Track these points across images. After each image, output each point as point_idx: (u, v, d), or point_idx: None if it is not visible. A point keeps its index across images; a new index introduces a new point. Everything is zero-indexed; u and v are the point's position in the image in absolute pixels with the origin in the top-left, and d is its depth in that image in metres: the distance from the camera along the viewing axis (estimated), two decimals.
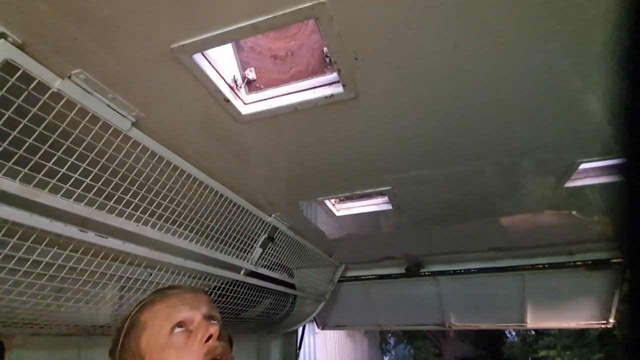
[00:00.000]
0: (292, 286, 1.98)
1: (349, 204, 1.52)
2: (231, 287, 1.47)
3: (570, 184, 1.24)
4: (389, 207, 1.44)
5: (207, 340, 0.62)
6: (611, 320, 2.64)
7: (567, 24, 0.65)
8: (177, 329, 0.63)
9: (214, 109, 0.80)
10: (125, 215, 0.85)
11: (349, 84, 0.75)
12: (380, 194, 1.39)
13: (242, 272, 1.48)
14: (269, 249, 1.58)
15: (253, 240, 1.47)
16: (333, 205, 1.49)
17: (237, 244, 1.34)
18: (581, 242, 2.21)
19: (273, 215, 1.50)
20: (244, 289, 1.54)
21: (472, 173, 1.26)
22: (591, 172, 1.23)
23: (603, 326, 2.70)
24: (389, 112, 0.88)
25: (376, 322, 3.08)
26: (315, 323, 3.14)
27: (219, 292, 1.42)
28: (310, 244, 1.90)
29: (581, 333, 5.23)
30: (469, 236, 2.10)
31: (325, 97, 0.79)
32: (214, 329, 0.63)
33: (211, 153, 1.00)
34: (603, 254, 2.32)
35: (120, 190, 0.81)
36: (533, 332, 6.93)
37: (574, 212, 1.76)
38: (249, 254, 1.47)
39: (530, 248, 2.26)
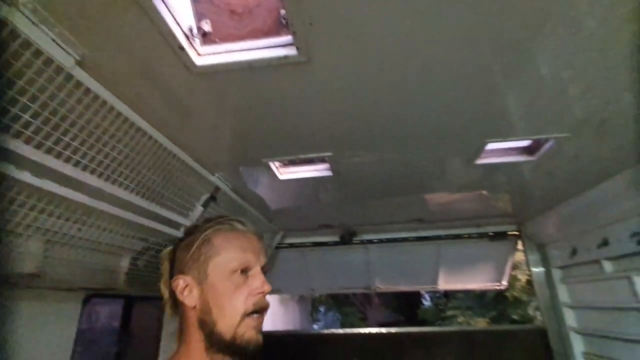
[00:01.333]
0: None
1: (293, 168, 1.60)
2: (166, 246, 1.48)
3: (479, 161, 1.47)
4: (329, 173, 1.55)
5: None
6: (504, 282, 3.18)
7: (482, 18, 0.78)
8: (240, 271, 0.72)
9: (167, 56, 0.80)
10: (63, 157, 0.82)
11: (302, 47, 0.81)
12: (322, 160, 1.48)
13: (182, 229, 1.49)
14: (210, 209, 1.61)
15: (195, 199, 1.48)
16: (277, 168, 1.56)
17: (179, 200, 1.35)
18: (487, 216, 2.60)
19: (216, 174, 1.52)
20: None
21: (404, 150, 1.41)
22: (496, 152, 1.47)
23: (497, 288, 3.24)
24: (337, 80, 0.96)
25: (310, 287, 3.29)
26: None
27: (157, 250, 1.42)
28: (251, 207, 1.96)
29: (481, 296, 6.25)
30: (397, 208, 2.34)
31: (279, 57, 0.84)
32: (268, 288, 0.73)
33: (158, 103, 0.99)
34: (502, 227, 2.76)
35: (60, 131, 0.79)
36: (444, 297, 7.98)
37: (484, 192, 2.06)
38: (190, 212, 1.48)
39: (446, 221, 2.59)
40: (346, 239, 2.79)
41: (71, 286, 1.23)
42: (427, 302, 8.91)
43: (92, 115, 0.83)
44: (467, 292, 6.24)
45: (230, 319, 0.69)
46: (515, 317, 5.08)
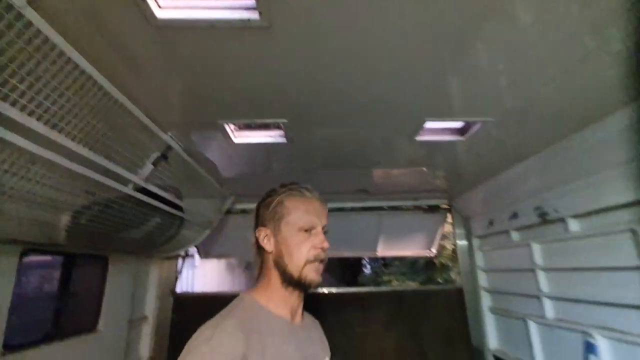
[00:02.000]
0: (180, 209, 2.04)
1: (248, 133, 1.63)
2: (119, 202, 1.47)
3: (419, 138, 1.64)
4: (283, 140, 1.62)
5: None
6: (433, 250, 3.56)
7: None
8: (306, 229, 0.89)
9: (126, 5, 0.79)
10: (9, 100, 0.79)
11: (264, 12, 0.85)
12: (278, 126, 1.54)
13: (131, 186, 1.47)
14: (160, 167, 1.60)
15: (145, 156, 1.46)
16: (232, 132, 1.58)
17: (128, 155, 1.33)
18: (423, 191, 2.87)
19: (169, 133, 1.51)
20: (132, 204, 1.54)
21: (354, 123, 1.52)
22: (434, 131, 1.64)
23: (428, 255, 3.62)
24: (296, 49, 1.01)
25: None
26: (197, 251, 3.25)
27: (105, 205, 1.40)
28: (203, 170, 1.96)
29: (413, 263, 6.99)
30: (346, 179, 2.49)
31: (242, 20, 0.87)
32: (326, 245, 0.90)
33: (112, 53, 0.96)
34: (436, 201, 3.08)
35: (6, 73, 0.75)
36: (382, 266, 8.71)
37: (423, 168, 2.28)
38: (140, 169, 1.47)
39: (389, 193, 2.82)
40: None
41: (5, 236, 1.19)
42: (367, 270, 9.68)
43: (41, 58, 0.80)
44: (401, 260, 6.90)
45: (297, 264, 0.88)
46: (440, 280, 5.84)
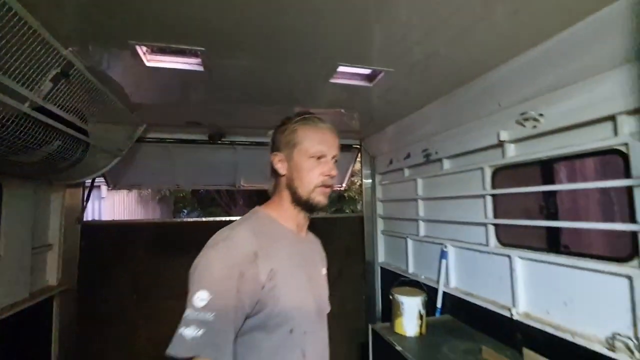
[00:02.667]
0: (85, 133, 1.91)
1: (162, 57, 1.56)
2: (15, 121, 1.34)
3: (333, 80, 1.79)
4: (200, 68, 1.61)
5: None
6: (344, 185, 3.97)
7: None
8: (317, 157, 0.95)
9: None
10: None
11: None
12: (195, 54, 1.52)
13: (27, 104, 1.35)
14: (61, 86, 1.47)
15: (43, 72, 1.33)
16: (144, 54, 1.50)
17: (25, 69, 1.21)
18: (339, 131, 3.11)
19: (70, 48, 1.37)
20: (30, 124, 1.42)
21: (273, 58, 1.57)
22: (346, 75, 1.80)
23: (339, 189, 4.03)
24: None
25: (175, 182, 3.37)
26: (105, 181, 3.09)
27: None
28: (111, 92, 1.83)
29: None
30: (266, 115, 2.54)
31: None
32: (334, 173, 0.97)
33: None
34: (349, 141, 3.38)
35: None
36: None
37: (342, 110, 2.46)
38: (38, 86, 1.34)
39: None
40: (215, 139, 2.91)
41: None
42: None
43: None
44: None
45: (307, 188, 0.96)
46: (347, 211, 6.67)
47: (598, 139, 1.30)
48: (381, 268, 3.16)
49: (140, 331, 2.71)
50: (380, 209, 3.26)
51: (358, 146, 3.46)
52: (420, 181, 2.55)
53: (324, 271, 1.11)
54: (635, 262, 1.18)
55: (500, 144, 1.73)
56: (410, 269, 2.66)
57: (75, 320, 2.55)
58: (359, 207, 5.87)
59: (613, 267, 1.24)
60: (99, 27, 1.29)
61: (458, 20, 1.25)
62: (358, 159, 3.64)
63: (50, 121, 1.53)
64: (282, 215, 1.00)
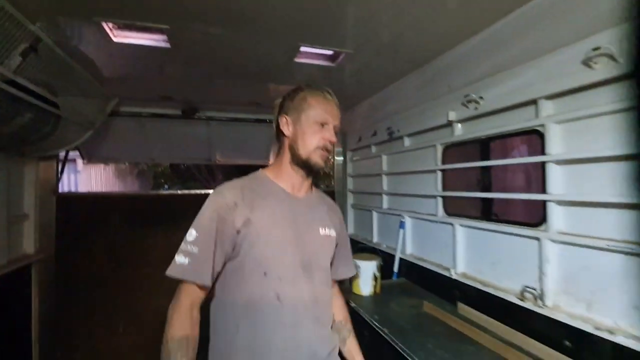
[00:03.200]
0: (55, 106, 1.95)
1: (128, 33, 1.62)
2: None
3: (297, 60, 1.88)
4: (167, 45, 1.67)
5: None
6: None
7: None
8: (321, 123, 1.06)
9: None
10: None
11: None
12: (160, 30, 1.58)
13: None
14: (30, 60, 1.52)
15: (12, 47, 1.38)
16: (111, 30, 1.55)
17: None
18: None
19: (38, 24, 1.42)
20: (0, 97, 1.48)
21: (239, 39, 1.65)
22: (310, 55, 1.90)
23: None
24: None
25: (150, 156, 3.42)
26: (80, 155, 3.12)
27: None
28: (80, 66, 1.87)
29: None
30: (239, 91, 2.62)
31: None
32: (334, 140, 1.08)
33: None
34: None
35: None
36: None
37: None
38: (7, 60, 1.39)
39: None
40: (188, 114, 2.97)
41: None
42: None
43: None
44: None
45: (307, 148, 1.07)
46: (322, 186, 6.94)
47: (524, 120, 1.47)
48: (350, 239, 3.37)
49: (118, 298, 2.86)
50: (350, 184, 3.43)
51: None
52: (384, 157, 2.72)
53: (323, 231, 1.13)
54: (543, 227, 1.39)
55: (450, 124, 1.90)
56: (375, 239, 2.87)
57: (55, 287, 2.67)
58: (333, 182, 6.10)
59: (528, 232, 1.45)
60: (66, 4, 1.34)
61: (414, 7, 1.36)
62: None
63: (20, 94, 1.58)
64: (279, 175, 1.11)
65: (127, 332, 2.84)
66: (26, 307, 2.42)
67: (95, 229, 2.86)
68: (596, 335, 1.16)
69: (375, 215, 2.88)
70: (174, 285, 0.98)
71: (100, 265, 2.83)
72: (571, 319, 1.24)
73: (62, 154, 2.76)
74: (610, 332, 1.12)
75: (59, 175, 2.76)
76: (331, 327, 1.15)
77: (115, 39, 1.61)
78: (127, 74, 2.17)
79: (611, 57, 1.10)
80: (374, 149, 2.92)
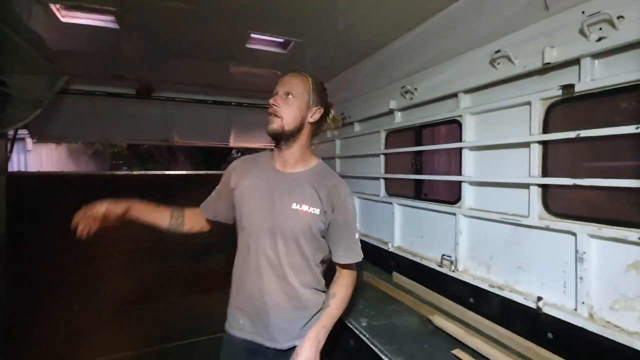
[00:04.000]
0: (3, 84, 1.91)
1: (76, 13, 1.61)
2: None
3: (249, 45, 1.96)
4: (115, 26, 1.68)
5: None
6: None
7: None
8: (273, 94, 1.23)
9: None
10: None
11: None
12: (108, 12, 1.59)
13: None
14: None
15: None
16: (58, 10, 1.55)
17: None
18: (269, 91, 3.28)
19: None
20: None
21: (191, 22, 1.69)
22: (261, 42, 1.98)
23: (272, 146, 4.25)
24: None
25: (103, 136, 3.34)
26: (29, 133, 3.00)
27: None
28: (26, 43, 1.83)
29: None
30: (195, 72, 2.64)
31: None
32: (273, 102, 1.20)
33: None
34: None
35: None
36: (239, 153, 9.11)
37: (278, 72, 2.60)
38: None
39: (239, 90, 3.12)
40: (143, 94, 2.94)
41: None
42: (236, 155, 10.12)
43: None
44: (251, 151, 7.69)
45: None
46: None
47: (447, 111, 1.67)
48: None
49: (73, 277, 2.86)
50: (338, 165, 3.56)
51: None
52: (338, 142, 2.88)
53: (296, 206, 1.20)
54: (459, 204, 1.61)
55: (391, 112, 2.08)
56: None
57: (6, 267, 2.63)
58: None
59: (447, 208, 1.67)
60: None
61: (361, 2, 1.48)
62: None
63: None
64: (274, 154, 1.30)
65: (83, 309, 2.87)
66: None
67: (48, 209, 2.81)
68: (491, 292, 1.41)
69: None
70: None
71: (52, 245, 2.80)
72: (474, 280, 1.49)
73: (10, 133, 2.66)
74: (500, 288, 1.37)
75: (8, 154, 2.66)
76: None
77: (63, 19, 1.60)
78: (77, 52, 2.13)
79: (508, 59, 1.30)
80: (328, 133, 3.06)
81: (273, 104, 1.21)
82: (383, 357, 1.23)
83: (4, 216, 2.64)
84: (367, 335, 1.36)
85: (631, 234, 0.98)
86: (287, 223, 1.21)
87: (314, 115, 1.27)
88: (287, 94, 1.22)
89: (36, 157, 4.86)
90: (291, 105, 1.22)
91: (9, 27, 1.62)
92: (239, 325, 1.26)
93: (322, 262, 1.32)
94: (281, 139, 1.24)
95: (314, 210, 1.21)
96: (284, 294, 1.22)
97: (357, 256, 1.31)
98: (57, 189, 2.89)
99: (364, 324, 1.46)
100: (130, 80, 2.75)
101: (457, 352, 1.23)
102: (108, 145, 6.76)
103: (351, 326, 1.46)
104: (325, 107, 1.34)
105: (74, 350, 2.87)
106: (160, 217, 1.36)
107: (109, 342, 2.92)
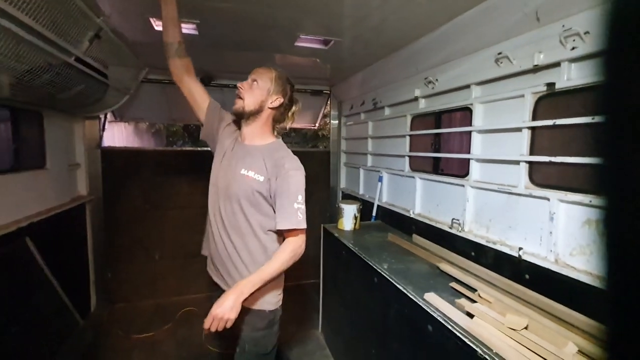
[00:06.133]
0: (106, 77, 2.48)
1: None
2: (62, 70, 1.92)
3: (297, 44, 2.36)
4: (195, 32, 2.15)
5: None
6: (317, 125, 4.61)
7: None
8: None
9: None
10: None
11: None
12: (191, 22, 2.05)
13: (73, 58, 1.92)
14: (95, 44, 2.03)
15: (83, 34, 1.88)
16: (154, 22, 2.03)
17: (71, 33, 1.75)
18: (311, 78, 3.68)
19: (101, 17, 1.90)
20: (72, 71, 2.00)
21: (253, 25, 2.11)
22: (307, 40, 2.37)
23: (313, 128, 4.68)
24: None
25: (171, 117, 3.96)
26: (113, 115, 3.66)
27: (56, 72, 1.86)
28: (125, 46, 2.37)
29: (305, 134, 8.45)
30: (251, 61, 3.07)
31: None
32: (240, 85, 1.45)
33: None
34: (320, 87, 3.96)
35: None
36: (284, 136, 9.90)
37: (317, 60, 2.99)
38: (79, 44, 1.91)
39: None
40: (205, 81, 3.46)
41: None
42: None
43: None
44: (295, 131, 8.19)
45: None
46: (321, 147, 7.53)
47: (462, 99, 1.99)
48: (342, 192, 4.00)
49: (151, 232, 3.54)
50: (343, 145, 3.98)
51: (328, 92, 4.05)
52: (370, 124, 3.24)
53: (244, 172, 1.40)
54: (467, 177, 1.96)
55: (416, 99, 2.41)
56: (361, 191, 3.48)
57: (104, 222, 3.35)
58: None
59: (458, 181, 2.03)
60: (125, 4, 1.82)
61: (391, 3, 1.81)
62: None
63: (86, 70, 2.11)
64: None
65: (161, 258, 3.57)
66: (83, 235, 3.10)
67: (131, 177, 3.48)
68: (487, 246, 1.78)
69: (362, 172, 3.46)
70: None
71: (137, 207, 3.49)
72: (475, 237, 1.86)
73: (101, 116, 3.30)
74: (494, 243, 1.74)
75: (102, 132, 3.32)
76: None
77: (156, 28, 2.09)
78: (156, 47, 2.64)
79: (508, 59, 1.60)
80: (362, 116, 3.43)
81: (240, 87, 1.44)
82: (398, 286, 1.66)
83: (99, 181, 3.33)
84: (387, 273, 1.80)
85: (586, 198, 1.31)
86: (233, 185, 1.39)
87: (274, 102, 1.46)
88: (254, 80, 1.45)
89: (109, 135, 5.68)
90: (254, 91, 1.43)
91: (117, 35, 2.15)
92: (209, 265, 1.56)
93: (270, 230, 1.43)
94: (242, 117, 1.45)
95: (258, 177, 1.38)
96: (226, 250, 1.43)
97: (293, 224, 1.34)
98: (138, 161, 3.54)
99: (385, 267, 1.89)
100: (195, 70, 3.25)
101: (453, 284, 1.63)
102: (167, 125, 7.56)
103: (376, 267, 1.90)
104: (289, 101, 1.53)
105: (154, 291, 3.59)
106: (174, 28, 1.55)
107: (180, 286, 3.62)
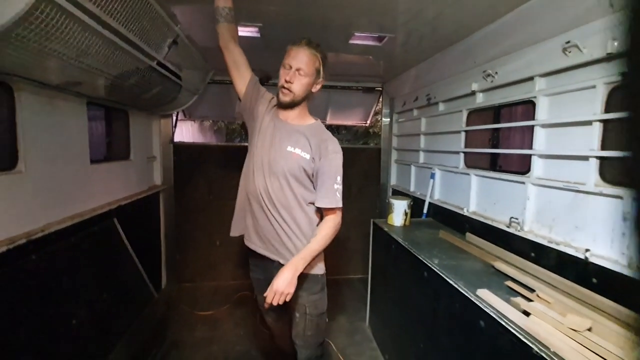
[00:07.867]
0: (180, 79, 2.76)
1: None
2: (146, 73, 2.20)
3: (351, 41, 2.42)
4: (258, 35, 2.32)
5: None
6: (368, 122, 4.63)
7: None
8: (284, 66, 1.49)
9: None
10: None
11: None
12: (254, 25, 2.22)
13: (156, 62, 2.19)
14: (172, 50, 2.29)
15: (163, 41, 2.14)
16: None
17: (153, 40, 2.00)
18: (363, 75, 3.72)
19: (178, 25, 2.15)
20: (153, 74, 2.28)
21: (312, 27, 2.22)
22: (360, 38, 2.42)
23: (364, 125, 4.71)
24: None
25: (232, 115, 4.26)
26: (183, 113, 4.04)
27: (142, 75, 2.14)
28: (197, 50, 2.63)
29: (356, 132, 8.47)
30: None
31: None
32: (289, 79, 1.44)
33: None
34: (372, 84, 3.98)
35: None
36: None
37: (370, 57, 3.04)
38: (160, 49, 2.17)
39: (337, 75, 3.64)
40: (263, 81, 3.66)
41: (78, 91, 1.96)
42: None
43: None
44: (346, 128, 8.24)
45: (278, 88, 1.50)
46: (372, 144, 7.49)
47: (524, 92, 1.90)
48: (392, 189, 3.98)
49: (214, 220, 3.86)
50: (395, 142, 3.96)
51: (380, 89, 4.05)
52: (423, 120, 3.19)
53: (290, 149, 1.47)
54: (528, 174, 1.87)
55: (473, 93, 2.34)
56: (412, 188, 3.44)
57: (174, 209, 3.73)
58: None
59: (519, 178, 1.94)
60: (195, 14, 2.03)
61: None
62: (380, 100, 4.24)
63: (165, 72, 2.38)
64: (279, 109, 1.57)
65: (221, 245, 3.87)
66: (158, 219, 3.49)
67: (198, 169, 3.83)
68: (550, 247, 1.69)
69: (413, 168, 3.42)
70: None
71: (202, 196, 3.83)
72: (536, 237, 1.77)
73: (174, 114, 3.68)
74: (557, 244, 1.65)
75: (174, 128, 3.70)
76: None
77: None
78: (221, 53, 2.88)
79: (578, 48, 1.51)
80: (415, 112, 3.38)
81: (287, 81, 1.44)
82: (449, 280, 1.65)
83: (171, 172, 3.72)
84: (438, 268, 1.79)
85: None
86: (280, 162, 1.45)
87: (317, 86, 1.54)
88: (297, 70, 1.43)
89: (178, 132, 6.31)
90: (301, 81, 1.45)
91: (190, 41, 2.39)
92: (250, 239, 1.66)
93: (311, 203, 1.53)
94: (290, 107, 1.52)
95: (304, 154, 1.45)
96: (276, 223, 1.50)
97: (333, 202, 1.47)
98: (203, 155, 3.88)
99: (436, 262, 1.88)
100: (255, 70, 3.48)
101: (509, 283, 1.58)
102: (228, 122, 8.13)
103: (425, 262, 1.90)
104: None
105: (215, 274, 3.91)
106: None
107: (236, 271, 3.90)
